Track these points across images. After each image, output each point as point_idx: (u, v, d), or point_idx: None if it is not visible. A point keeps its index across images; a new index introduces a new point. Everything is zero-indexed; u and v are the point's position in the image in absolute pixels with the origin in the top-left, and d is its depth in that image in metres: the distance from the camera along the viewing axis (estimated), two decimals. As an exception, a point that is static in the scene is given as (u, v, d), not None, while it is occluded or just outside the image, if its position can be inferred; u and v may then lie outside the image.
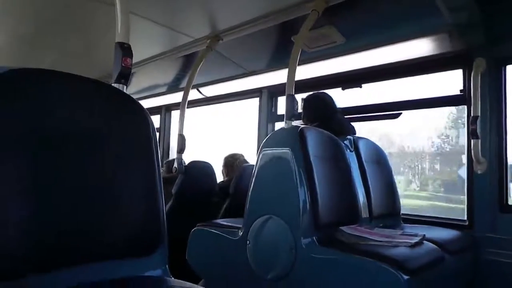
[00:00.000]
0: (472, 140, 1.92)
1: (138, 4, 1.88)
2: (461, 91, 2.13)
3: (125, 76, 1.16)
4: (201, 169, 2.69)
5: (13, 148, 0.81)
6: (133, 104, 1.10)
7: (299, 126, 1.66)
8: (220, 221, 1.92)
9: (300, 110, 2.27)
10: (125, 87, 1.17)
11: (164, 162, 3.67)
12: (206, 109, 3.76)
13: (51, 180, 0.86)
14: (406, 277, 1.20)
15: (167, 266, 1.05)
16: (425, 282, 1.30)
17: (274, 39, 2.32)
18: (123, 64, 1.15)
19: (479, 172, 1.96)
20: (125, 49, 1.16)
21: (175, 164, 2.50)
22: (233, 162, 2.90)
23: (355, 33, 2.11)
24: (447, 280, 1.55)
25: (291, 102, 1.73)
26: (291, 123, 1.71)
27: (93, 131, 0.97)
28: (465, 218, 2.04)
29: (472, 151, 1.92)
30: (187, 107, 2.63)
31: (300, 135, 1.59)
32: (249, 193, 1.67)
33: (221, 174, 2.99)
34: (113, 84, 1.15)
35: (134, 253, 0.98)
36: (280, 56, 2.51)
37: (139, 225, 1.00)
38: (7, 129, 0.80)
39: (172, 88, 3.49)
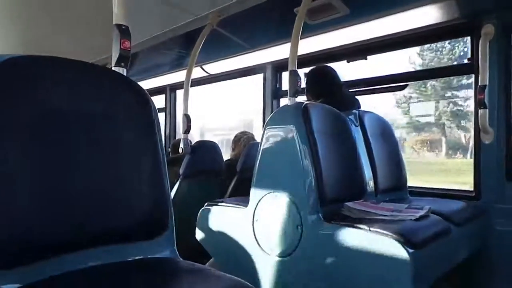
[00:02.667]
0: (479, 110, 1.88)
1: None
2: (468, 59, 2.08)
3: (124, 59, 1.15)
4: (208, 149, 2.70)
5: (18, 135, 0.82)
6: (135, 87, 1.10)
7: (303, 103, 1.64)
8: (228, 199, 1.94)
9: (304, 85, 2.24)
10: (125, 70, 1.16)
11: (171, 142, 3.71)
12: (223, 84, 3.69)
13: (56, 165, 0.87)
14: (411, 250, 1.21)
15: (175, 247, 1.07)
16: (431, 255, 1.32)
17: (276, 13, 2.26)
18: (122, 47, 1.14)
19: (486, 142, 1.93)
20: (123, 31, 1.15)
21: (181, 145, 2.51)
22: (240, 137, 2.94)
23: (359, 3, 2.04)
24: (453, 252, 1.57)
25: (294, 77, 1.70)
26: (295, 99, 1.69)
27: (96, 116, 0.98)
28: (472, 188, 2.04)
29: (480, 121, 1.89)
30: (193, 86, 2.61)
31: (303, 111, 1.58)
32: (255, 171, 1.68)
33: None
34: (113, 68, 1.15)
35: (142, 236, 1.01)
36: (283, 30, 2.44)
37: (146, 207, 1.01)
38: (10, 116, 0.81)
39: (176, 67, 3.46)
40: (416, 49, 6.44)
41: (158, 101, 4.12)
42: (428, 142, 7.49)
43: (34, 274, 0.81)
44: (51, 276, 0.83)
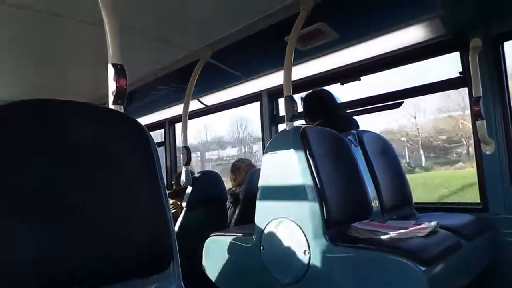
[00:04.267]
0: (477, 122, 1.89)
1: (127, 21, 1.89)
2: (460, 73, 2.11)
3: (121, 97, 1.17)
4: (209, 179, 2.70)
5: (18, 179, 0.82)
6: (132, 123, 1.11)
7: (301, 127, 1.65)
8: (233, 228, 1.91)
9: (300, 109, 2.26)
10: (122, 107, 1.18)
11: (173, 175, 3.71)
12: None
13: (59, 208, 0.87)
14: (422, 268, 1.18)
15: (181, 281, 1.05)
16: (442, 271, 1.28)
17: (267, 42, 2.32)
18: (118, 85, 1.16)
19: (487, 153, 1.93)
20: (119, 70, 1.17)
21: (182, 177, 2.51)
22: (239, 166, 2.93)
23: (347, 27, 2.09)
24: (465, 266, 1.53)
25: (290, 103, 1.72)
26: (292, 124, 1.70)
27: (95, 155, 0.98)
28: (479, 201, 2.01)
29: (478, 133, 1.89)
30: (191, 119, 2.64)
31: (302, 135, 1.59)
32: (258, 198, 1.67)
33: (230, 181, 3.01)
34: (110, 106, 1.16)
35: (147, 272, 0.98)
36: (276, 58, 2.49)
37: (148, 242, 1.00)
38: (11, 161, 0.82)
39: (173, 101, 3.52)
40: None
41: (158, 136, 4.16)
42: None
43: None
44: None
